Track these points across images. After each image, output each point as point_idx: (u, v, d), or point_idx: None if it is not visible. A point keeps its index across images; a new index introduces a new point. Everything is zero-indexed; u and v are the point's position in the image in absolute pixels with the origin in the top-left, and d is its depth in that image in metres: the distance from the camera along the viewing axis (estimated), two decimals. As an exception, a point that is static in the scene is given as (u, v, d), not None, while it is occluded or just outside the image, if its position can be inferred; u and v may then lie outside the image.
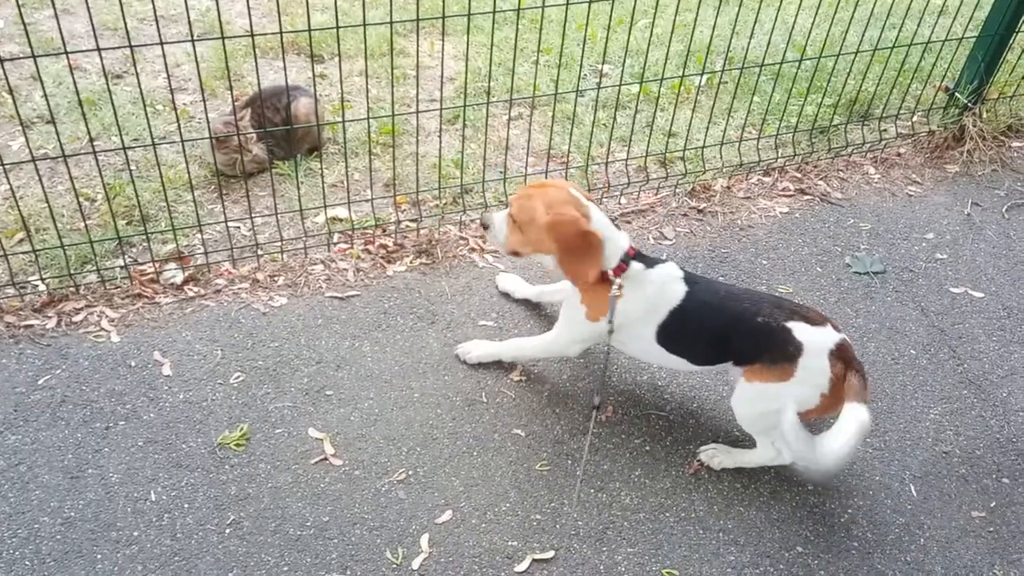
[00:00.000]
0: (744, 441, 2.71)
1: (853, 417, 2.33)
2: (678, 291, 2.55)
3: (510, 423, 2.74)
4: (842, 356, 2.43)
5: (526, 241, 2.58)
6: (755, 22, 3.83)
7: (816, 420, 2.80)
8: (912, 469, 2.73)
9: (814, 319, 2.50)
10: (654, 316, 2.56)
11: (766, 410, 2.50)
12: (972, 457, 2.78)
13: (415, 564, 2.33)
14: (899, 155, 4.30)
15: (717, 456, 2.65)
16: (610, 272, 2.52)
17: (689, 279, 2.58)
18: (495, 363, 2.92)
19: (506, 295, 3.21)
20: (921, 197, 4.02)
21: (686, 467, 2.66)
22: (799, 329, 2.45)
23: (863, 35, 3.95)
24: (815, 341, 2.44)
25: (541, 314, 3.14)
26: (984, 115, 4.34)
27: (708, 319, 2.54)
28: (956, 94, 4.32)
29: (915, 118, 4.41)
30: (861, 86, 4.26)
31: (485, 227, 2.71)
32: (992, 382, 3.05)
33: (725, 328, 2.52)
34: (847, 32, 4.00)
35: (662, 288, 2.55)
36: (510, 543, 2.41)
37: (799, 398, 2.43)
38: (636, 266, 2.55)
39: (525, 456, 2.64)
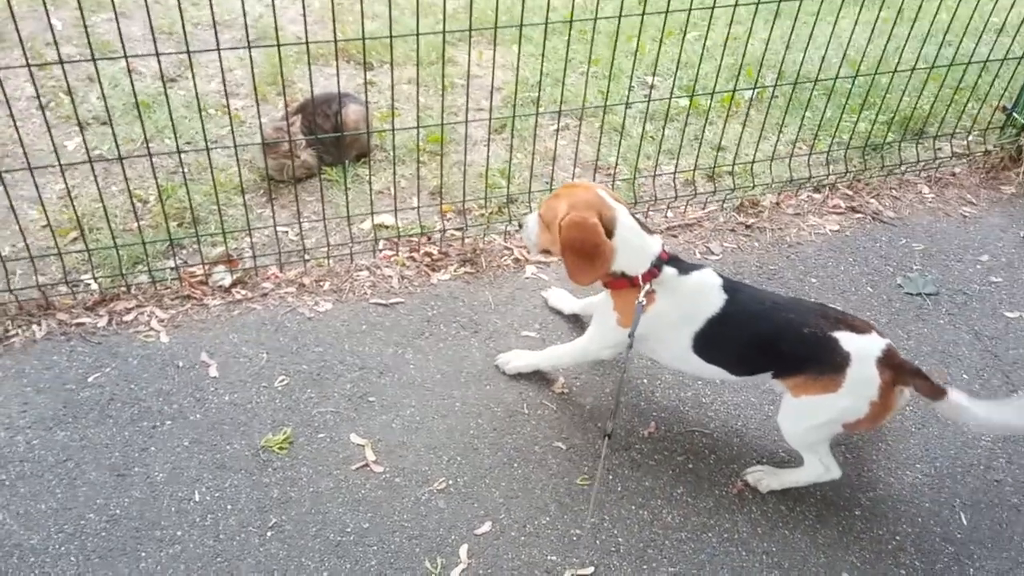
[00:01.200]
0: (791, 463, 2.66)
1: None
2: (716, 299, 2.50)
3: (551, 435, 2.72)
4: (889, 363, 2.38)
5: (552, 240, 2.56)
6: (809, 37, 3.78)
7: (861, 447, 2.76)
8: (963, 497, 2.66)
9: (859, 327, 2.44)
10: (690, 324, 2.51)
11: (814, 424, 2.46)
12: (1026, 487, 2.71)
13: (454, 574, 2.32)
14: (954, 175, 4.22)
15: (764, 479, 2.60)
16: (639, 277, 2.48)
17: (729, 287, 2.52)
18: (536, 374, 2.91)
19: (557, 311, 3.19)
20: (976, 218, 3.94)
21: (730, 487, 2.62)
22: (845, 339, 2.40)
23: (919, 52, 3.89)
24: (862, 349, 2.39)
25: (584, 326, 3.12)
26: (1043, 136, 4.24)
27: (750, 328, 2.49)
28: (1014, 114, 4.23)
29: (971, 138, 4.32)
30: (916, 104, 4.18)
31: (520, 227, 2.71)
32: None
33: (769, 338, 2.48)
34: (903, 49, 3.93)
35: (698, 295, 2.51)
36: (549, 557, 2.39)
37: (848, 409, 2.39)
38: (669, 271, 2.50)
39: (566, 470, 2.62)
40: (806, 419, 2.47)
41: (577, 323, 3.14)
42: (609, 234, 2.46)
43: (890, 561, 2.46)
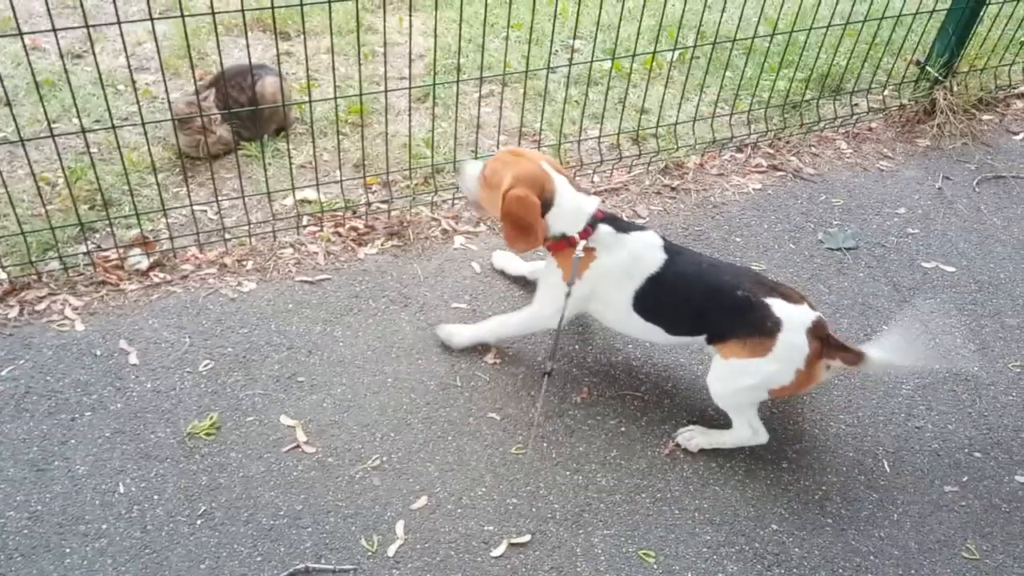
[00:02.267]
0: (720, 422, 2.71)
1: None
2: (657, 258, 2.59)
3: (485, 407, 2.72)
4: (818, 334, 2.46)
5: (488, 200, 2.66)
6: (727, -4, 3.79)
7: (786, 401, 2.82)
8: (885, 445, 2.74)
9: (792, 297, 2.53)
10: (630, 282, 2.60)
11: (742, 386, 2.52)
12: (944, 432, 2.80)
13: (391, 551, 2.31)
14: (871, 130, 4.30)
15: (694, 438, 2.64)
16: (575, 236, 2.58)
17: (670, 248, 2.62)
18: (469, 346, 2.90)
19: (501, 272, 3.21)
20: (893, 172, 4.03)
21: (661, 448, 2.66)
22: (778, 306, 2.47)
23: (835, 8, 3.93)
24: (794, 317, 2.46)
25: (518, 295, 3.11)
26: (955, 88, 4.35)
27: (687, 288, 2.57)
28: (927, 67, 4.33)
29: (886, 92, 4.41)
30: (833, 60, 4.24)
31: (457, 170, 2.79)
32: (963, 357, 3.07)
33: (704, 299, 2.55)
34: (819, 5, 3.97)
35: (639, 254, 2.60)
36: (486, 528, 2.39)
37: (775, 374, 2.46)
38: (604, 229, 2.60)
39: (500, 440, 2.62)
40: (735, 381, 2.53)
41: (507, 290, 3.13)
42: (548, 205, 2.58)
43: (817, 511, 2.53)
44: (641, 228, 2.67)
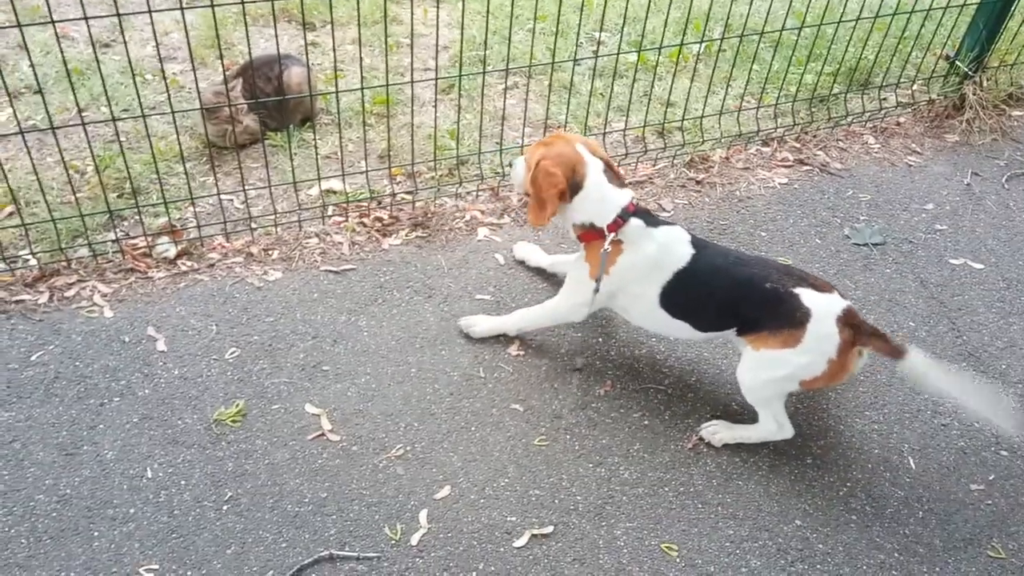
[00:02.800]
0: (744, 417, 2.70)
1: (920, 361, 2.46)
2: (684, 253, 2.59)
3: (508, 398, 2.72)
4: (849, 322, 2.44)
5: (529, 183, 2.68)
6: (755, -11, 3.77)
7: (812, 396, 2.80)
8: (911, 442, 2.72)
9: (821, 286, 2.51)
10: (657, 277, 2.59)
11: (772, 378, 2.51)
12: (971, 430, 2.78)
13: (414, 540, 2.32)
14: (899, 124, 4.26)
15: (719, 432, 2.64)
16: (604, 228, 2.58)
17: (697, 242, 2.62)
18: (493, 337, 2.90)
19: (521, 263, 3.21)
20: (921, 167, 3.99)
21: (685, 441, 2.65)
22: (807, 295, 2.46)
23: (863, 2, 3.89)
24: (823, 307, 2.45)
25: (541, 287, 3.11)
26: (984, 84, 4.29)
27: (715, 283, 2.57)
28: (957, 62, 4.27)
29: (915, 87, 4.37)
30: (861, 54, 4.20)
31: (511, 165, 2.84)
32: (991, 354, 3.04)
33: (733, 293, 2.55)
34: (848, -1, 3.93)
35: (666, 248, 2.59)
36: (509, 518, 2.40)
37: (806, 366, 2.44)
38: (635, 222, 2.59)
39: (523, 431, 2.63)
40: (765, 372, 2.51)
41: (531, 282, 3.13)
42: (577, 188, 2.60)
43: (841, 507, 2.52)
44: (670, 223, 2.66)
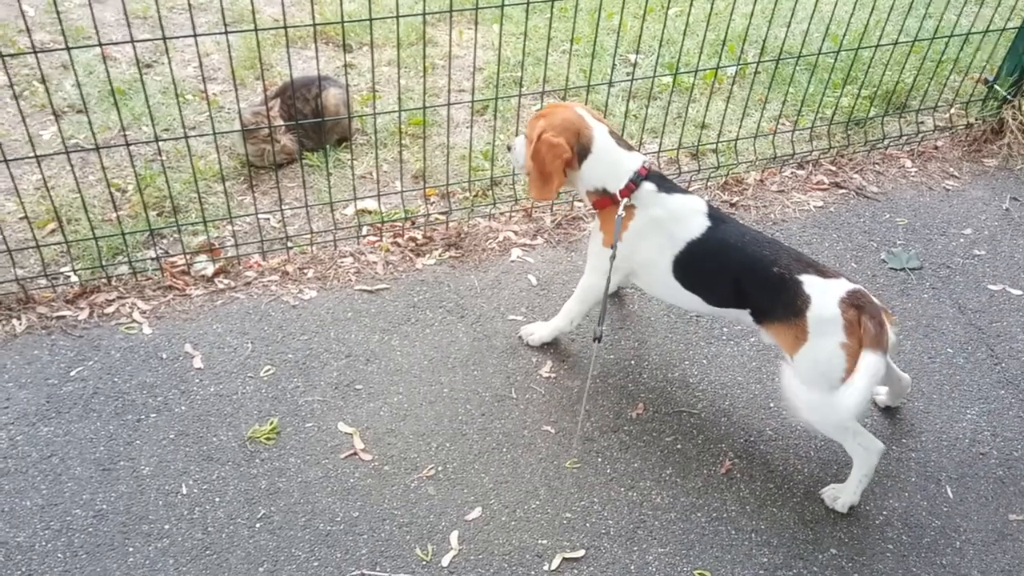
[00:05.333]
0: (781, 442, 2.67)
1: (863, 365, 2.26)
2: (699, 224, 2.55)
3: (540, 419, 2.72)
4: (855, 302, 2.35)
5: (531, 160, 2.65)
6: (791, 11, 3.76)
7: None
8: (948, 471, 2.68)
9: (828, 273, 2.44)
10: (670, 245, 2.57)
11: (823, 402, 2.35)
12: (1010, 459, 2.72)
13: (444, 561, 2.32)
14: (936, 148, 4.22)
15: (840, 497, 2.52)
16: (616, 193, 2.57)
17: (714, 215, 2.57)
18: (524, 358, 2.91)
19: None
20: (959, 191, 3.94)
21: (718, 466, 2.63)
22: (809, 281, 2.39)
23: (901, 26, 3.87)
24: (824, 291, 2.37)
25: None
26: (1023, 108, 4.24)
27: (725, 259, 2.52)
28: (995, 86, 4.23)
29: (953, 111, 4.33)
30: (898, 78, 4.18)
31: (509, 149, 2.83)
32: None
33: (740, 271, 2.50)
34: (885, 23, 3.92)
35: (680, 216, 2.56)
36: (540, 541, 2.39)
37: (827, 359, 2.34)
38: (647, 187, 2.58)
39: (555, 453, 2.62)
40: (812, 397, 2.38)
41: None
42: (586, 152, 2.59)
43: (877, 536, 2.48)
44: (686, 192, 2.64)
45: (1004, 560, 2.44)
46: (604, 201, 2.62)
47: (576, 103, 2.71)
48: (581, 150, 2.59)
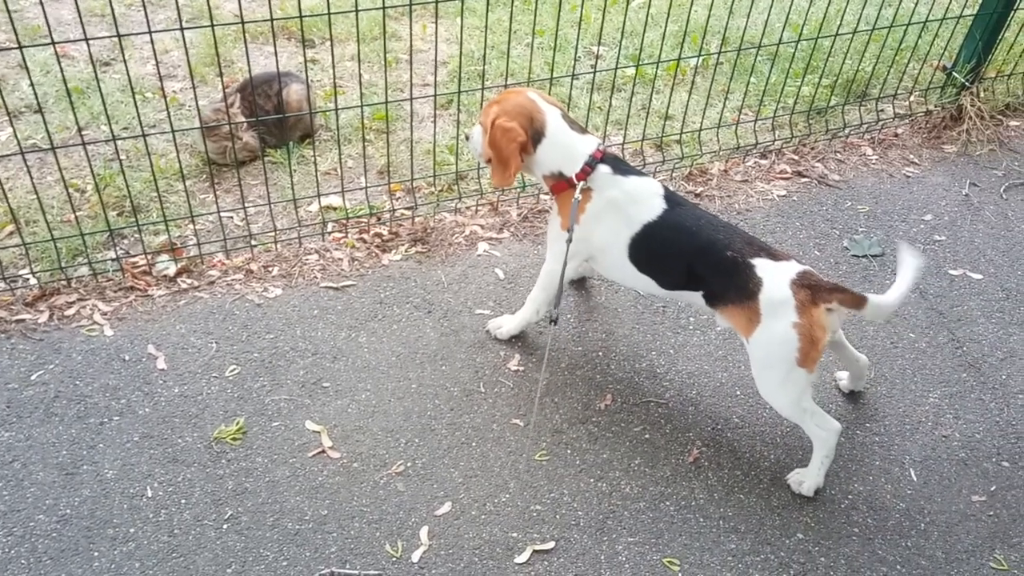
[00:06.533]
0: (742, 427, 2.69)
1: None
2: (655, 206, 2.56)
3: (509, 413, 2.72)
4: (805, 283, 2.38)
5: (488, 147, 2.66)
6: (752, 2, 3.78)
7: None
8: (912, 454, 2.72)
9: (778, 256, 2.46)
10: (626, 227, 2.58)
11: (781, 381, 2.42)
12: (972, 441, 2.77)
13: (415, 557, 2.32)
14: (896, 136, 4.27)
15: (805, 481, 2.56)
16: (572, 177, 2.58)
17: (671, 198, 2.59)
18: (492, 352, 2.91)
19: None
20: (919, 178, 4.00)
21: (686, 455, 2.65)
22: (761, 265, 2.42)
23: (860, 14, 3.91)
24: (775, 273, 2.40)
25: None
26: (982, 94, 4.31)
27: (680, 241, 2.53)
28: (954, 73, 4.29)
29: (912, 98, 4.38)
30: (858, 66, 4.22)
31: (467, 138, 2.82)
32: (991, 365, 3.04)
33: (693, 254, 2.51)
34: (844, 11, 3.95)
35: (635, 198, 2.57)
36: (510, 534, 2.39)
37: (781, 340, 2.37)
38: (603, 169, 2.59)
39: (524, 446, 2.62)
40: (770, 377, 2.45)
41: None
42: (539, 136, 2.60)
43: (843, 520, 2.51)
44: (643, 174, 2.65)
45: (968, 540, 2.48)
46: (561, 185, 2.64)
47: (529, 88, 2.71)
48: (535, 134, 2.60)
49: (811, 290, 2.37)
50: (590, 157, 2.58)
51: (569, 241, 2.55)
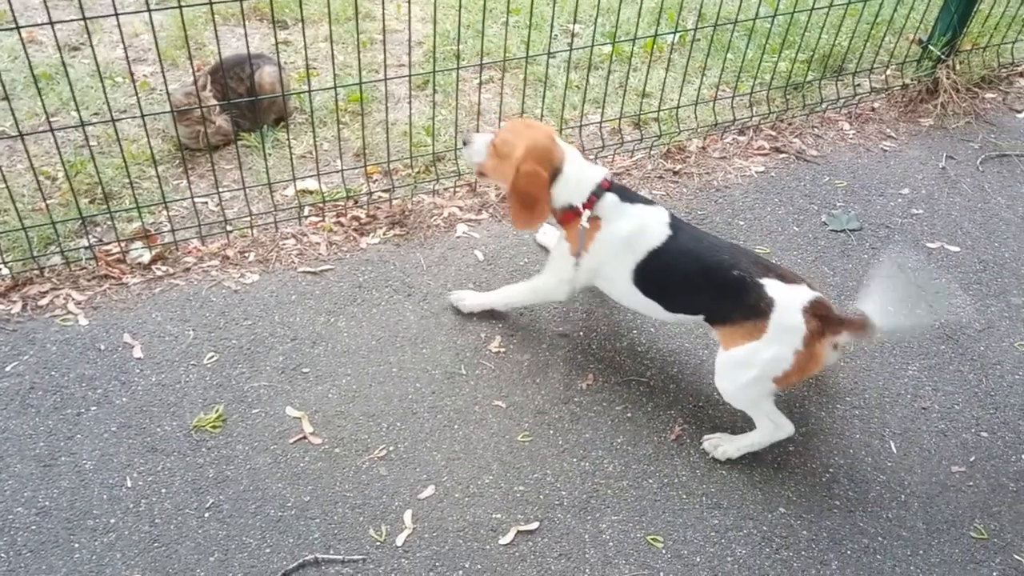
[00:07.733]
0: (726, 406, 2.70)
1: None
2: (660, 233, 2.59)
3: (490, 395, 2.71)
4: (817, 313, 2.40)
5: (496, 170, 2.70)
6: (727, -22, 3.76)
7: (793, 391, 2.81)
8: (891, 426, 2.74)
9: (789, 277, 2.49)
10: (632, 254, 2.60)
11: (746, 380, 2.46)
12: (951, 412, 2.79)
13: (399, 541, 2.31)
14: (873, 110, 4.28)
15: (721, 445, 2.60)
16: (579, 206, 2.61)
17: (675, 224, 2.62)
18: (473, 335, 2.89)
19: (543, 248, 3.25)
20: (896, 152, 4.01)
21: (668, 432, 2.65)
22: (772, 286, 2.44)
23: (836, -12, 3.91)
24: (788, 297, 2.42)
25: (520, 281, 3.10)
26: (957, 67, 4.32)
27: (686, 266, 2.56)
28: (929, 46, 4.30)
29: (888, 72, 4.39)
30: (835, 40, 4.21)
31: (465, 143, 2.80)
32: (969, 336, 3.06)
33: (701, 277, 2.53)
34: (820, -14, 3.94)
35: (641, 226, 2.60)
36: (494, 515, 2.39)
37: (774, 359, 2.40)
38: (610, 198, 2.62)
39: (506, 428, 2.62)
40: (738, 375, 2.47)
41: (515, 279, 3.11)
42: (557, 175, 2.63)
43: (824, 493, 2.53)
44: (648, 202, 2.68)
45: (948, 511, 2.51)
46: (570, 216, 2.65)
47: (548, 125, 2.75)
48: (553, 174, 2.62)
49: (822, 321, 2.39)
50: (597, 186, 2.61)
51: (576, 266, 2.63)
